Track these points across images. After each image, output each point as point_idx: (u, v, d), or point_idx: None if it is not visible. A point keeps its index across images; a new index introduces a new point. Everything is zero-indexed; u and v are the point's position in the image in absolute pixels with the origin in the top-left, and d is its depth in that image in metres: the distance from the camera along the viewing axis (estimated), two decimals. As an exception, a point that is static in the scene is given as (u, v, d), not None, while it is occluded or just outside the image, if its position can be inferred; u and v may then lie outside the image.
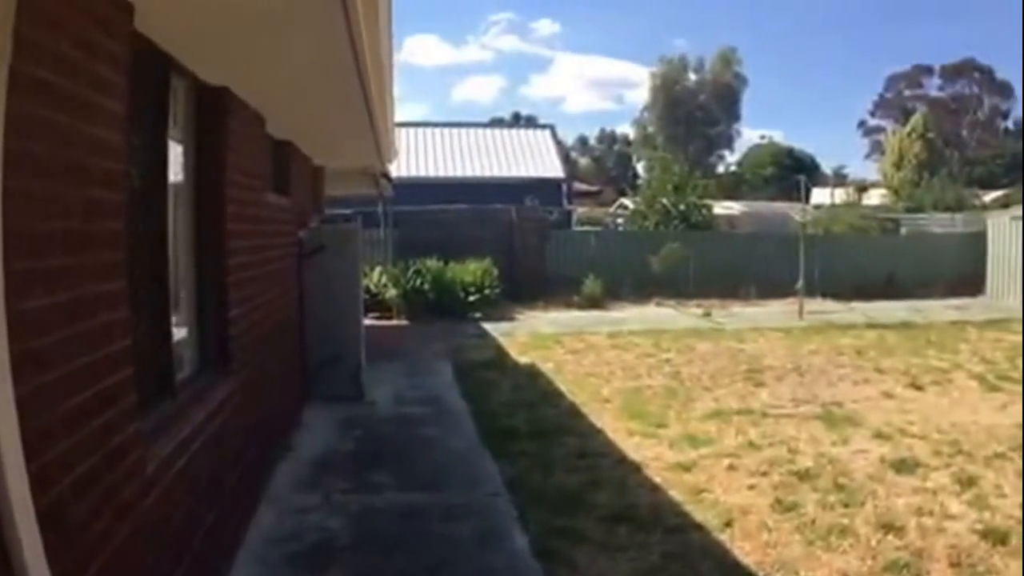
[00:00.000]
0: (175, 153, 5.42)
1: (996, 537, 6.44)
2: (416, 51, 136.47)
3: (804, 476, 7.99)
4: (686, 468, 8.24)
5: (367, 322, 19.13)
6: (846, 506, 7.14)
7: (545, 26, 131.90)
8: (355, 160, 13.82)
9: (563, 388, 12.37)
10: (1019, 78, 74.90)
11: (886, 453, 8.87)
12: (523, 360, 14.85)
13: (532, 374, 13.59)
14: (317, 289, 11.08)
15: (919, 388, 12.66)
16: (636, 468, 8.26)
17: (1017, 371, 13.92)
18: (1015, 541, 6.36)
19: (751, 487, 7.69)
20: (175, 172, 5.42)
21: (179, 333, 5.44)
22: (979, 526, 6.70)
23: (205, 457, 5.12)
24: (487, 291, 21.44)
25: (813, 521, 6.74)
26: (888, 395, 12.17)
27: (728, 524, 6.68)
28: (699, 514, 6.90)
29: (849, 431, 9.89)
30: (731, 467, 8.32)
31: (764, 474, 8.08)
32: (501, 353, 15.75)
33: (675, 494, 7.42)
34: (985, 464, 8.50)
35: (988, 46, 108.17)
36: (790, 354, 15.73)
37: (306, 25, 4.75)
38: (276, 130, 8.72)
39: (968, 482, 7.85)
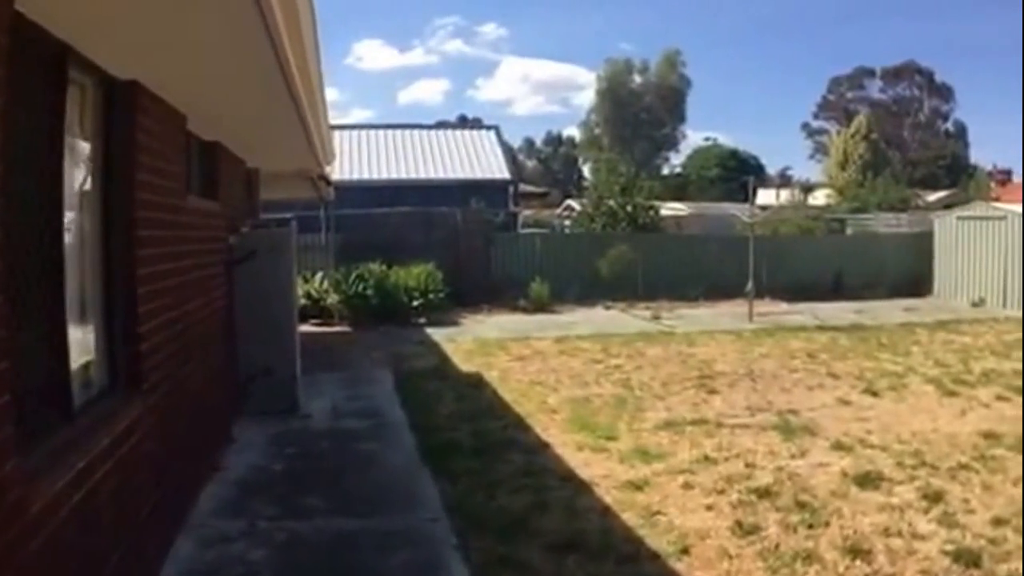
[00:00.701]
0: (78, 153, 4.90)
1: (969, 559, 6.09)
2: (363, 56, 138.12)
3: (764, 494, 7.55)
4: (638, 487, 7.77)
5: (308, 329, 18.68)
6: (810, 527, 6.72)
7: (491, 30, 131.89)
8: (291, 162, 13.21)
9: (508, 398, 11.84)
10: (960, 81, 76.27)
11: (847, 466, 8.49)
12: (467, 368, 14.32)
13: (476, 383, 13.04)
14: (249, 297, 10.47)
15: (875, 394, 12.35)
16: (585, 487, 7.77)
17: (971, 375, 13.84)
18: (988, 563, 6.01)
19: (708, 507, 7.23)
20: (79, 174, 4.92)
21: (82, 351, 4.91)
22: (950, 547, 6.34)
23: (110, 487, 4.58)
24: (431, 295, 20.89)
25: (777, 546, 6.31)
26: (844, 402, 11.84)
27: (685, 551, 6.21)
28: (654, 540, 6.43)
29: (807, 442, 9.51)
30: (686, 485, 7.85)
31: (721, 492, 7.63)
32: (444, 360, 15.22)
33: (628, 517, 6.93)
34: (950, 477, 8.18)
35: (929, 49, 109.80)
36: (742, 358, 15.38)
37: (217, 10, 4.25)
38: (202, 130, 8.17)
39: (935, 497, 7.49)
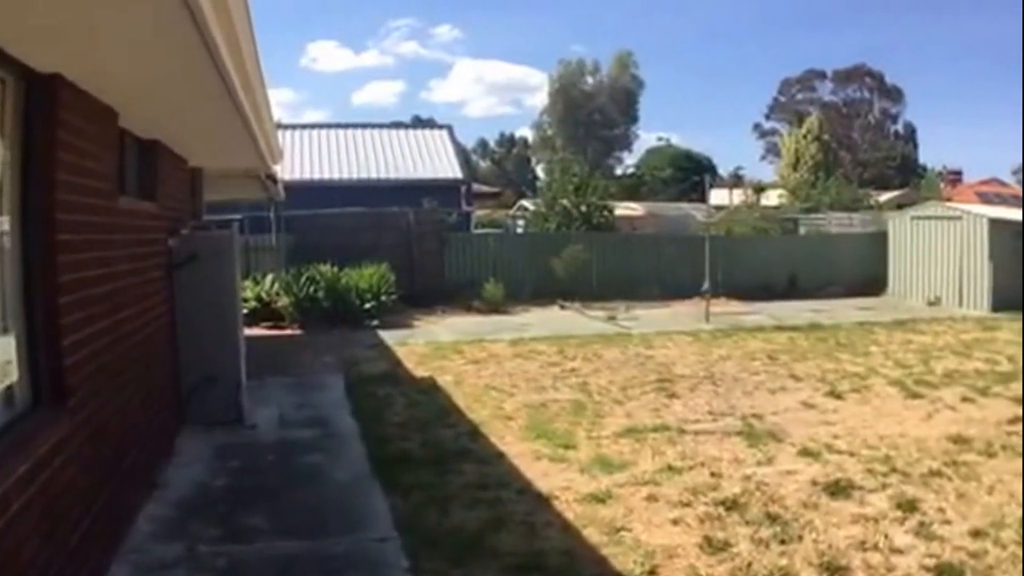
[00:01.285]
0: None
1: (951, 575, 5.77)
2: (318, 57, 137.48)
3: (732, 506, 7.19)
4: (600, 500, 7.36)
5: (259, 332, 18.29)
6: (783, 542, 6.36)
7: (445, 32, 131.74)
8: (236, 161, 12.68)
9: (462, 404, 11.38)
10: (910, 83, 77.33)
11: (816, 474, 8.19)
12: (420, 372, 13.86)
13: (429, 388, 12.58)
14: (190, 303, 9.92)
15: (838, 396, 12.10)
16: (544, 501, 7.34)
17: (934, 376, 13.70)
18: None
19: (675, 521, 6.85)
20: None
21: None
22: (929, 561, 6.05)
23: (31, 518, 4.14)
24: (383, 297, 20.43)
25: (749, 564, 5.93)
26: (808, 405, 11.55)
27: (653, 573, 5.84)
28: (619, 560, 6.02)
29: (773, 448, 9.20)
30: (651, 497, 7.46)
31: (687, 505, 7.25)
32: (397, 364, 14.73)
33: (590, 534, 6.52)
34: (923, 484, 7.90)
35: (880, 52, 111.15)
36: (701, 360, 15.07)
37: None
38: (138, 127, 7.68)
39: (909, 507, 7.20)
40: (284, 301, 19.74)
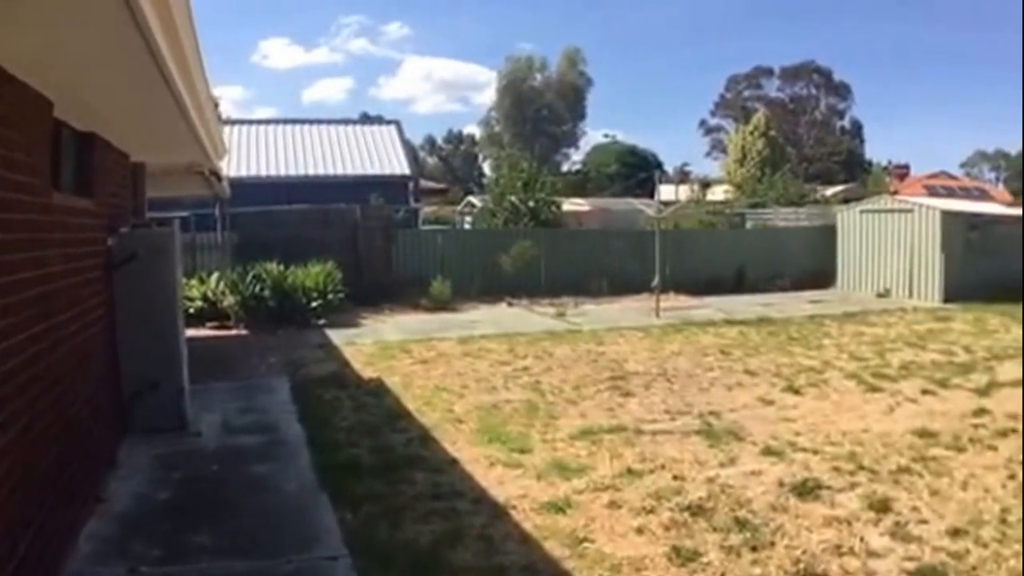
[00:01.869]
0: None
1: (933, 579, 5.47)
2: (269, 53, 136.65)
3: (698, 511, 6.84)
4: (560, 508, 6.96)
5: (205, 333, 17.91)
6: (754, 549, 6.04)
7: (395, 29, 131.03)
8: (178, 156, 12.14)
9: (412, 407, 10.92)
10: (857, 81, 78.57)
11: (782, 474, 7.88)
12: (368, 373, 13.39)
13: (377, 390, 12.10)
14: (130, 305, 9.40)
15: (796, 392, 11.85)
16: (501, 511, 6.92)
17: (890, 368, 13.57)
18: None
19: (639, 530, 6.47)
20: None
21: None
22: (910, 564, 5.81)
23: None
24: (330, 296, 19.94)
25: (722, 575, 5.59)
26: (766, 401, 11.28)
27: (620, 589, 5.47)
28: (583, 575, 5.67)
29: (735, 448, 8.89)
30: (612, 504, 7.08)
31: (651, 511, 6.88)
32: (344, 365, 14.23)
33: (551, 546, 6.11)
34: (893, 482, 7.66)
35: (828, 49, 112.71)
36: (653, 356, 14.78)
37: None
38: (75, 118, 7.19)
39: (881, 506, 6.94)
40: (230, 300, 19.18)
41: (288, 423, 10.21)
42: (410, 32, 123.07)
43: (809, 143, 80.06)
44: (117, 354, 9.28)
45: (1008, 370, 13.25)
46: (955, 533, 6.34)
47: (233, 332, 18.59)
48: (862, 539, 6.22)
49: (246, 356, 15.21)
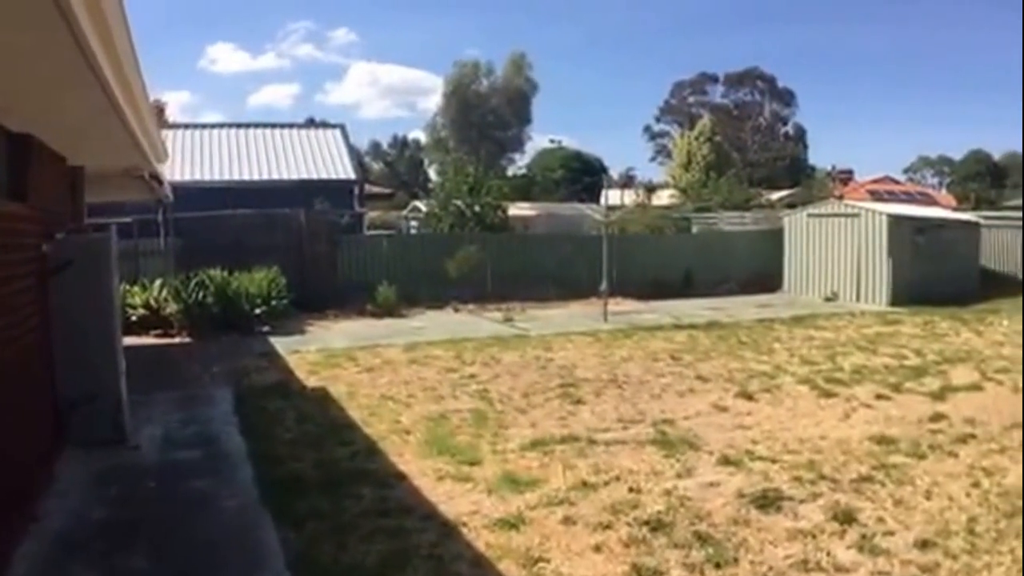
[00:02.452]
0: None
1: (903, 595, 5.26)
2: (216, 58, 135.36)
3: (657, 525, 6.57)
4: (513, 525, 6.64)
5: (148, 341, 17.47)
6: (718, 566, 5.78)
7: (342, 35, 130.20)
8: (117, 159, 11.72)
9: (357, 417, 10.54)
10: (801, 87, 79.91)
11: (741, 484, 7.66)
12: (312, 382, 13.00)
13: (322, 400, 11.71)
14: (65, 313, 8.97)
15: (750, 398, 11.67)
16: (452, 529, 6.58)
17: (843, 372, 13.52)
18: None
19: (597, 548, 6.17)
20: None
21: None
22: (880, 581, 5.51)
23: None
24: (275, 302, 19.53)
25: (685, 596, 5.33)
26: (720, 408, 11.08)
27: (580, 612, 5.18)
28: (540, 598, 5.37)
29: (691, 457, 8.64)
30: (567, 519, 6.79)
31: (608, 527, 6.59)
32: (288, 374, 13.81)
33: (506, 567, 5.79)
34: (855, 491, 7.48)
35: (772, 55, 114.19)
36: (603, 362, 14.54)
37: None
38: (7, 118, 6.85)
39: (845, 518, 6.74)
40: (173, 308, 18.69)
41: (230, 435, 9.84)
42: (356, 38, 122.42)
43: (753, 148, 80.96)
44: (53, 365, 8.86)
45: (961, 374, 13.22)
46: (923, 545, 6.17)
47: (176, 340, 18.08)
48: (829, 553, 6.02)
49: (188, 365, 14.74)
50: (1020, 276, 26.75)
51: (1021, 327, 17.06)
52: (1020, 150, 78.67)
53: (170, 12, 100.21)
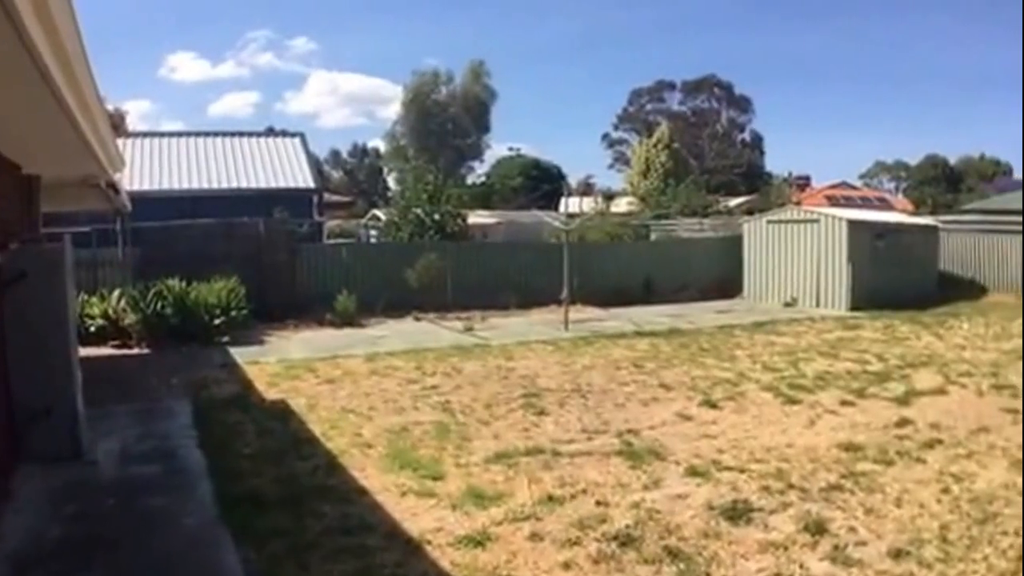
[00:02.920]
0: None
1: (879, 609, 5.17)
2: (177, 67, 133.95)
3: (626, 540, 6.44)
4: (479, 542, 6.48)
5: (106, 352, 17.20)
6: (690, 582, 5.64)
7: (301, 44, 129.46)
8: (73, 168, 11.45)
9: (317, 431, 10.32)
10: (758, 94, 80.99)
11: (709, 496, 7.55)
12: (272, 394, 12.76)
13: (282, 413, 11.47)
14: (19, 326, 8.73)
15: (714, 406, 11.59)
16: (416, 547, 6.40)
17: (806, 379, 13.49)
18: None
19: (566, 565, 6.03)
20: None
21: None
22: (854, 593, 5.43)
23: None
24: (234, 312, 19.23)
25: (658, 614, 5.20)
26: (684, 416, 10.99)
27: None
28: (508, 619, 5.22)
29: (658, 468, 8.53)
30: (534, 535, 6.63)
31: (576, 543, 6.45)
32: (248, 386, 13.54)
33: (473, 587, 5.68)
34: (825, 500, 7.42)
35: (729, 63, 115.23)
36: (565, 371, 14.41)
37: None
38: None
39: (817, 528, 6.67)
40: (132, 318, 18.38)
41: (188, 450, 9.59)
42: (316, 47, 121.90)
43: (711, 155, 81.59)
44: (7, 379, 8.62)
45: (924, 378, 13.25)
46: (897, 555, 6.11)
47: (135, 351, 17.76)
48: (802, 565, 5.94)
49: (147, 377, 14.44)
50: (978, 280, 27.10)
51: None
52: (976, 155, 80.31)
53: (130, 20, 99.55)
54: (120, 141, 15.16)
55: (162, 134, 35.29)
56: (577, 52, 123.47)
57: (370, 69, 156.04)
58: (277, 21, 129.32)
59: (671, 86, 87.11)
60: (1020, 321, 19.00)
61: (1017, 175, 78.04)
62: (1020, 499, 7.34)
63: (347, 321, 21.15)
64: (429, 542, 6.50)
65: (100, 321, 18.15)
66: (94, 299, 18.68)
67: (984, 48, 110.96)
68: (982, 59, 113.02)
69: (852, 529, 6.64)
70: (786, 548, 6.27)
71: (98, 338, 17.63)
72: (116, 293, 19.09)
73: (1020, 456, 8.80)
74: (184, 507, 7.54)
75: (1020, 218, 27.79)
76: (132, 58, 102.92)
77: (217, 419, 11.02)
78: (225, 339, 18.37)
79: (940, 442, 9.38)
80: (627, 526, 6.75)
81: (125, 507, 7.59)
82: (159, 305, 18.41)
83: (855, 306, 23.08)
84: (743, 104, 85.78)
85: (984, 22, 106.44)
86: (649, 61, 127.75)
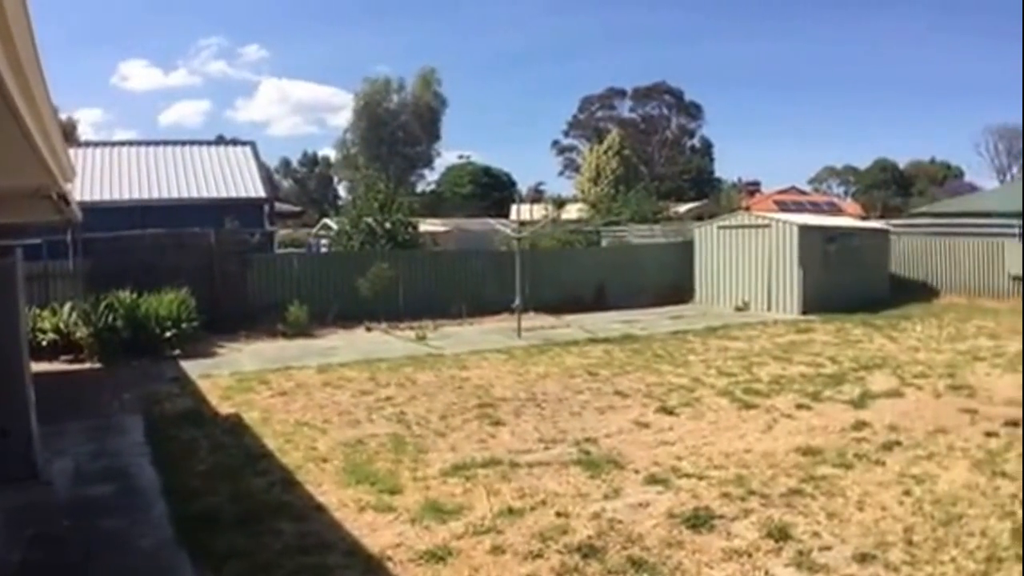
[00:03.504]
0: None
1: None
2: (129, 75, 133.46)
3: (589, 552, 6.37)
4: (440, 557, 6.36)
5: (58, 367, 16.85)
6: (655, 593, 5.57)
7: (253, 51, 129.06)
8: (24, 179, 11.17)
9: (272, 445, 10.13)
10: (708, 101, 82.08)
11: (670, 504, 7.51)
12: (225, 408, 12.54)
13: (236, 427, 11.27)
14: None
15: (671, 412, 11.57)
16: (377, 565, 6.27)
17: (760, 383, 13.54)
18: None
19: (529, 579, 5.96)
20: None
21: None
22: (823, 600, 5.40)
23: None
24: (185, 324, 18.90)
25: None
26: (641, 424, 10.94)
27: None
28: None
29: (617, 477, 8.47)
30: (496, 549, 6.53)
31: (539, 555, 6.37)
32: (200, 400, 13.30)
33: (435, 604, 5.55)
34: (786, 506, 7.41)
35: (680, 70, 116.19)
36: (520, 380, 14.32)
37: None
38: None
39: (780, 534, 6.66)
40: (83, 332, 18.04)
41: (142, 468, 9.42)
42: (268, 54, 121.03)
43: (661, 161, 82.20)
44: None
45: (879, 380, 13.34)
46: (862, 559, 6.11)
47: (87, 365, 17.41)
48: (767, 572, 5.93)
49: (99, 392, 14.15)
50: (930, 282, 27.42)
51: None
52: (926, 159, 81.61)
53: (82, 27, 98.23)
54: (72, 151, 14.92)
55: (112, 143, 34.78)
56: (527, 60, 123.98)
57: (321, 77, 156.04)
58: (230, 28, 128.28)
59: (621, 93, 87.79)
60: (974, 322, 19.30)
61: (968, 179, 79.75)
62: (983, 500, 7.38)
63: (299, 332, 20.90)
64: (390, 559, 6.39)
65: (52, 335, 17.80)
66: (46, 313, 18.32)
67: (935, 54, 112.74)
68: (933, 65, 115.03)
69: (816, 534, 6.63)
70: (750, 555, 6.24)
71: (50, 352, 17.32)
72: (68, 306, 18.73)
73: (981, 457, 8.87)
74: (141, 528, 7.39)
75: (968, 221, 28.31)
76: (84, 65, 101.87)
77: (170, 435, 10.80)
78: (176, 352, 18.08)
79: (899, 444, 9.43)
80: (589, 537, 6.69)
81: (82, 529, 7.42)
82: (110, 318, 18.08)
83: (807, 310, 23.24)
84: (693, 111, 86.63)
85: (935, 28, 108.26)
86: (599, 69, 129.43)
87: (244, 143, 36.51)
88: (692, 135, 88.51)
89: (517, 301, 20.67)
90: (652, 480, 8.31)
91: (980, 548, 6.27)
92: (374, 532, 7.00)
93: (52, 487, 8.74)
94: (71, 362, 17.42)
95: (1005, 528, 6.68)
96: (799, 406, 11.65)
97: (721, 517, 7.10)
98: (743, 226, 26.09)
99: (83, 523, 7.55)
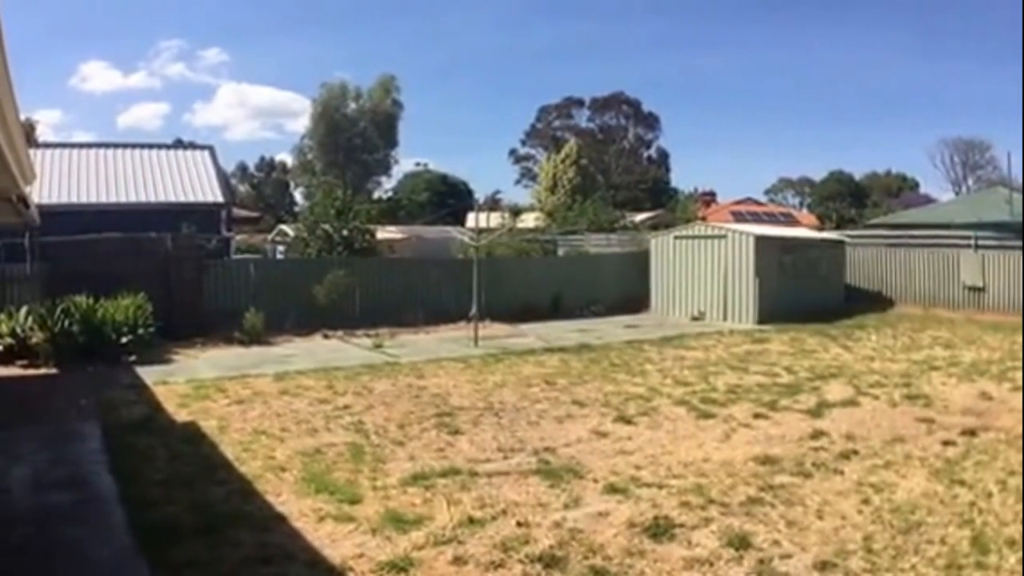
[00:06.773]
0: None
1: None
2: (88, 76, 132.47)
3: (551, 562, 6.35)
4: (401, 568, 6.30)
5: (12, 372, 16.79)
6: (618, 603, 5.58)
7: (214, 55, 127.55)
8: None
9: (230, 454, 10.02)
10: (665, 112, 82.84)
11: (630, 513, 7.51)
12: (182, 416, 12.39)
13: (193, 436, 11.12)
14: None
15: (629, 422, 11.60)
16: (338, 575, 6.28)
17: (717, 392, 13.67)
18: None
19: (492, 589, 5.93)
20: None
21: None
22: (784, 608, 5.43)
23: None
24: (141, 330, 18.69)
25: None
26: (599, 433, 10.96)
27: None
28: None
29: (576, 486, 8.47)
30: (457, 560, 6.49)
31: (501, 565, 6.35)
32: (157, 408, 13.09)
33: (399, 617, 5.51)
34: (746, 514, 7.45)
35: (637, 81, 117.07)
36: (477, 389, 14.31)
37: None
38: None
39: (740, 543, 6.70)
40: (39, 337, 17.81)
41: (99, 476, 9.26)
42: (227, 58, 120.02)
43: (617, 171, 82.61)
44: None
45: (835, 390, 13.47)
46: (823, 567, 6.17)
47: (43, 371, 17.15)
48: (728, 582, 5.90)
49: (54, 398, 13.93)
50: (885, 293, 27.78)
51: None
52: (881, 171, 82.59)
53: (43, 27, 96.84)
54: (31, 152, 14.73)
55: (71, 145, 34.48)
56: (485, 69, 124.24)
57: (280, 82, 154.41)
58: (190, 31, 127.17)
59: (580, 103, 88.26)
60: (929, 332, 19.54)
61: (923, 191, 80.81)
62: (942, 508, 7.48)
63: (255, 339, 20.75)
64: (351, 569, 6.32)
65: (8, 340, 17.59)
66: (1, 317, 18.13)
67: (889, 66, 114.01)
68: (888, 78, 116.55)
69: (776, 542, 6.67)
70: (711, 564, 6.26)
71: (5, 357, 17.18)
72: (24, 310, 18.52)
73: (939, 465, 9.00)
74: (99, 537, 7.27)
75: (924, 232, 28.70)
76: (44, 66, 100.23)
77: (127, 443, 10.64)
78: (133, 358, 17.83)
79: (856, 453, 9.55)
80: (551, 546, 6.67)
81: (40, 539, 7.27)
82: (67, 323, 17.89)
83: (762, 320, 23.47)
84: (650, 121, 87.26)
85: (892, 44, 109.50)
86: (557, 80, 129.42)
87: (202, 147, 36.29)
88: (649, 145, 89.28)
89: (474, 310, 20.64)
90: (612, 489, 8.31)
91: (940, 556, 6.35)
92: (334, 542, 6.93)
93: (10, 494, 8.61)
94: (27, 367, 17.17)
95: (964, 536, 6.78)
96: (756, 415, 11.74)
97: (681, 526, 7.12)
98: (699, 236, 26.30)
99: (42, 533, 7.42)
